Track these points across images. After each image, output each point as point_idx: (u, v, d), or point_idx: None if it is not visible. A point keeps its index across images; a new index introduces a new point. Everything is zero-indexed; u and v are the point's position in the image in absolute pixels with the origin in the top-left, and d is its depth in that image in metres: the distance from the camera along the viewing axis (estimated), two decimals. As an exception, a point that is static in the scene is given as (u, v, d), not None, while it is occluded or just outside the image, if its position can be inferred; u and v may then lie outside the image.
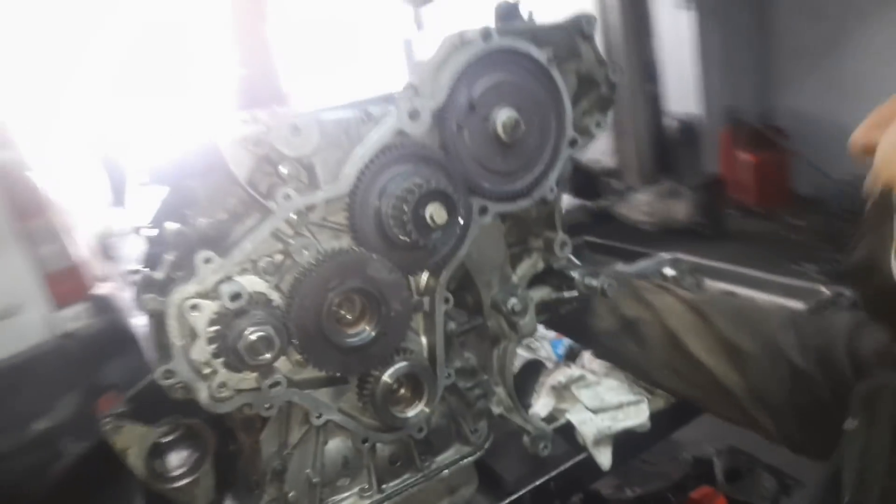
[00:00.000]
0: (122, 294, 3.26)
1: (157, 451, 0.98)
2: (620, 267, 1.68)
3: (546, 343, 1.54)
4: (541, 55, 0.97)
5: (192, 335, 0.82)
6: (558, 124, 1.02)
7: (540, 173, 1.03)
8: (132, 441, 0.95)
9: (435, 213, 0.89)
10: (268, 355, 0.82)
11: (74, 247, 3.07)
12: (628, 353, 1.20)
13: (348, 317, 0.91)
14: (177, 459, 0.99)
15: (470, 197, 0.98)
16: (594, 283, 1.11)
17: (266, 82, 4.27)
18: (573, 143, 1.04)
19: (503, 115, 0.95)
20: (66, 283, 3.01)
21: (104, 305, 3.14)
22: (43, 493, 2.56)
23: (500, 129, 0.95)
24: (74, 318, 3.01)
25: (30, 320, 2.89)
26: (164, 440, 0.99)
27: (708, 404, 1.18)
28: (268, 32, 4.36)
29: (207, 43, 4.76)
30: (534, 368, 1.40)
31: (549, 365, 1.43)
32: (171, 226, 0.93)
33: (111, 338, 3.12)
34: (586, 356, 1.41)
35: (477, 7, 1.63)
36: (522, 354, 1.43)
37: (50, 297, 2.95)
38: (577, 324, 1.23)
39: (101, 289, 3.19)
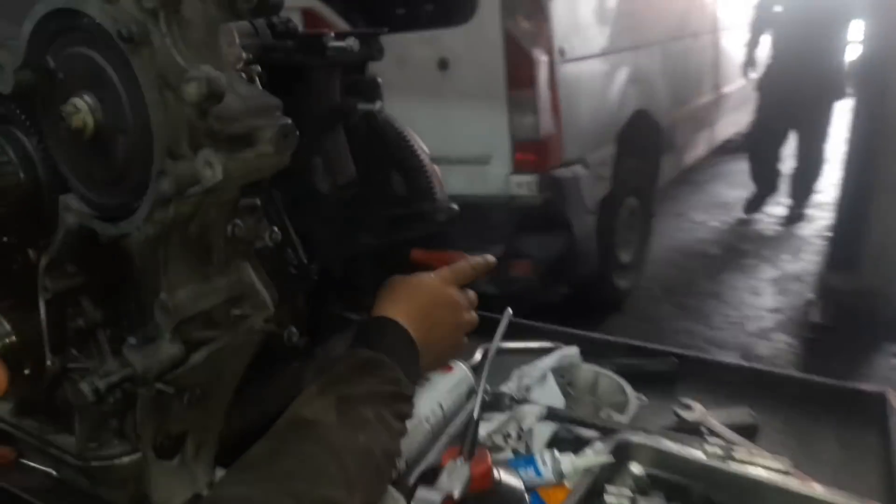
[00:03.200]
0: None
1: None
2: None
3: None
4: (110, 26, 0.59)
5: None
6: (144, 142, 0.62)
7: (122, 202, 0.67)
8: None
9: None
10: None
11: (548, 126, 3.28)
12: None
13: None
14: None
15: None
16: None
17: None
18: (161, 175, 0.62)
19: (71, 102, 0.65)
20: (529, 152, 3.31)
21: (553, 185, 3.34)
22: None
23: (64, 115, 0.66)
24: (522, 185, 3.34)
25: (494, 173, 3.37)
26: None
27: None
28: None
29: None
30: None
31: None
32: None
33: (543, 215, 3.36)
34: None
35: None
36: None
37: (512, 160, 3.33)
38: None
39: (558, 170, 3.37)
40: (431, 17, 3.42)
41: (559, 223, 3.40)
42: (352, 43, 0.92)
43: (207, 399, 0.70)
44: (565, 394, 1.02)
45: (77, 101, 0.53)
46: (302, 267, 0.92)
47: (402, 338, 0.86)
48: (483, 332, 1.28)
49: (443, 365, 0.96)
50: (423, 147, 1.17)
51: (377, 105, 1.04)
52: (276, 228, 0.73)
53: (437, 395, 0.96)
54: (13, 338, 0.71)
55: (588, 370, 1.05)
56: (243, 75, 0.56)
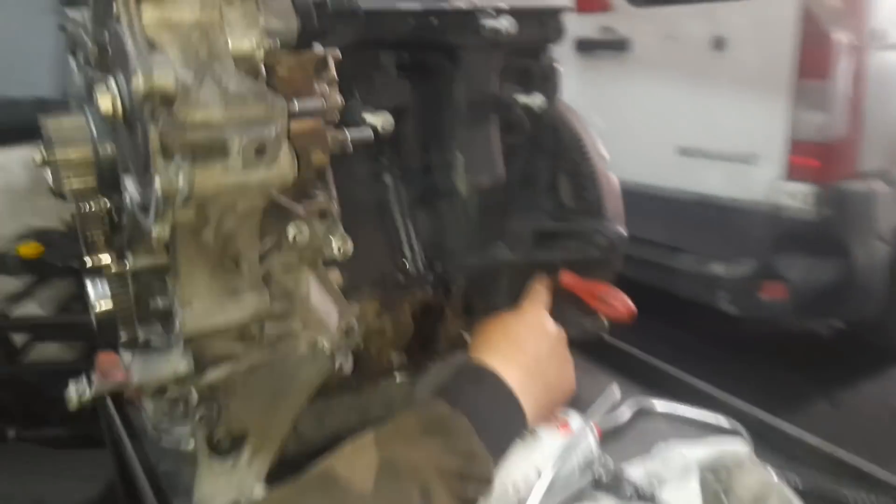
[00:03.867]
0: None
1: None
2: None
3: None
4: None
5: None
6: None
7: (147, 194, 0.62)
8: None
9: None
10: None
11: (842, 127, 2.67)
12: None
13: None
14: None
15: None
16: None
17: None
18: (152, 177, 0.56)
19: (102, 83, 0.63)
20: (810, 156, 2.74)
21: (837, 200, 2.74)
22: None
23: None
24: (794, 195, 2.79)
25: (759, 176, 2.87)
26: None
27: None
28: None
29: None
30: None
31: None
32: None
33: (815, 234, 2.79)
34: None
35: None
36: None
37: (785, 163, 2.80)
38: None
39: (847, 183, 2.73)
40: (714, -13, 2.99)
41: (835, 247, 2.78)
42: (506, 23, 0.76)
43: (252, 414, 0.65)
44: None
45: (109, 81, 0.48)
46: (412, 275, 0.82)
47: (500, 393, 0.71)
48: (640, 376, 1.05)
49: (552, 415, 0.79)
50: (601, 152, 0.97)
51: (539, 98, 0.87)
52: (348, 240, 0.63)
53: (538, 457, 0.79)
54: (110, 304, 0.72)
55: (756, 477, 0.77)
56: (261, 66, 0.46)
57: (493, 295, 0.89)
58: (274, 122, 0.43)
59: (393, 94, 0.78)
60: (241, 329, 0.56)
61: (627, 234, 0.91)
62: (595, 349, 1.09)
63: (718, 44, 2.86)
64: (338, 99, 0.57)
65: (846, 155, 2.74)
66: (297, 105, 0.50)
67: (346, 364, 0.64)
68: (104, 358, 0.66)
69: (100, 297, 0.67)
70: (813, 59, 2.62)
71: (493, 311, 0.88)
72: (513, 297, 0.89)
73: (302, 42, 0.50)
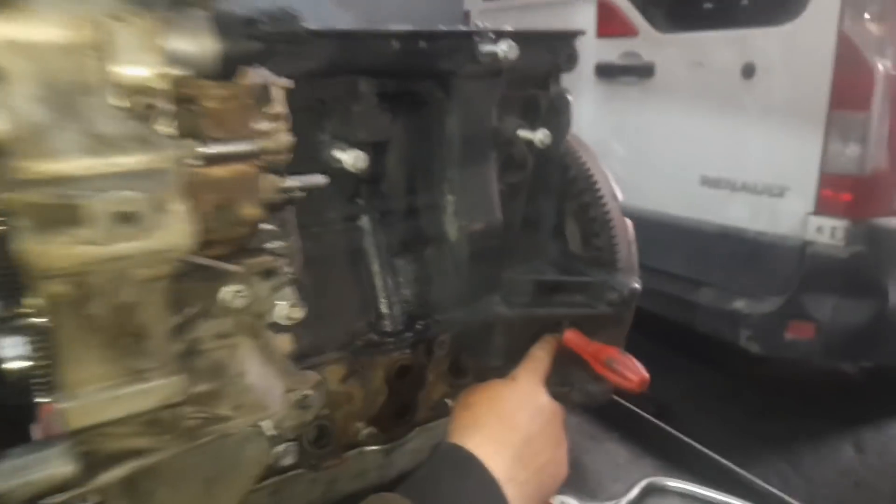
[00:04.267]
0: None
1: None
2: None
3: None
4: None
5: None
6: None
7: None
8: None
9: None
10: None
11: (879, 160, 2.52)
12: None
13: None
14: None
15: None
16: None
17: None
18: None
19: None
20: (843, 190, 2.60)
21: (870, 237, 2.58)
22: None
23: None
24: (824, 230, 2.64)
25: (787, 209, 2.73)
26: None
27: None
28: None
29: None
30: None
31: None
32: None
33: (847, 272, 2.64)
34: None
35: None
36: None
37: (815, 196, 2.65)
38: None
39: (883, 220, 2.58)
40: (745, 14, 2.86)
41: (867, 285, 2.62)
42: (505, 48, 0.66)
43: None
44: None
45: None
46: (388, 334, 0.71)
47: (482, 486, 0.60)
48: (653, 445, 0.92)
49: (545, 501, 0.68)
50: (614, 193, 0.85)
51: (543, 133, 0.76)
52: (299, 303, 0.52)
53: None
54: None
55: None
56: (161, 102, 0.35)
57: (484, 356, 0.78)
58: (161, 175, 0.33)
59: (373, 127, 0.68)
60: (150, 418, 0.45)
61: (647, 265, 0.80)
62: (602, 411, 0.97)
63: (748, 71, 2.73)
64: (285, 138, 0.46)
65: (882, 189, 2.59)
66: (213, 149, 0.40)
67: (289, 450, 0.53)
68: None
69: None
70: (850, 88, 2.48)
71: (485, 375, 0.77)
72: (508, 358, 0.78)
73: (228, 69, 0.39)
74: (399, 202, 0.73)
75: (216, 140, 0.40)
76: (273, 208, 0.49)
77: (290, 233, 0.60)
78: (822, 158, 2.58)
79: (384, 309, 0.70)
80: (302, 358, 0.63)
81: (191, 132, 0.41)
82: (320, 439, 0.68)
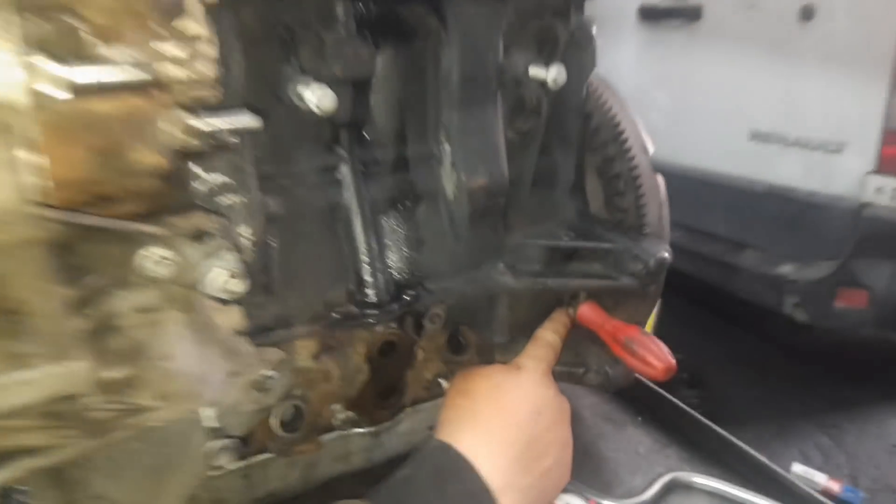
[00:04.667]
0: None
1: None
2: None
3: None
4: None
5: None
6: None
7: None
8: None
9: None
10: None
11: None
12: None
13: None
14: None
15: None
16: None
17: None
18: None
19: None
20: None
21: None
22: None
23: None
24: (884, 191, 2.44)
25: (845, 167, 2.52)
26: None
27: None
28: None
29: None
30: None
31: None
32: None
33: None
34: None
35: None
36: None
37: (877, 154, 2.43)
38: None
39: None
40: (806, -51, 2.60)
41: (930, 254, 2.43)
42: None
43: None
44: None
45: None
46: (369, 304, 0.61)
47: (468, 493, 0.51)
48: (680, 433, 0.80)
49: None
50: (644, 145, 0.73)
51: (559, 71, 0.64)
52: (241, 271, 0.43)
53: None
54: None
55: None
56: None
57: (486, 331, 0.68)
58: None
59: (352, 60, 0.56)
60: (45, 411, 0.37)
61: (686, 227, 0.68)
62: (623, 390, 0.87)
63: (807, 14, 2.49)
64: (205, 67, 0.36)
65: (952, 148, 2.36)
66: (88, 76, 0.30)
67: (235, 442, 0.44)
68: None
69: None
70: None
71: (487, 353, 0.67)
72: (514, 333, 0.68)
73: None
74: (386, 152, 0.62)
75: (96, 63, 0.30)
76: (199, 156, 0.40)
77: (247, 186, 0.51)
78: (887, 112, 2.36)
79: (366, 276, 0.60)
80: (265, 332, 0.54)
81: (70, 52, 0.31)
82: (291, 423, 0.60)
